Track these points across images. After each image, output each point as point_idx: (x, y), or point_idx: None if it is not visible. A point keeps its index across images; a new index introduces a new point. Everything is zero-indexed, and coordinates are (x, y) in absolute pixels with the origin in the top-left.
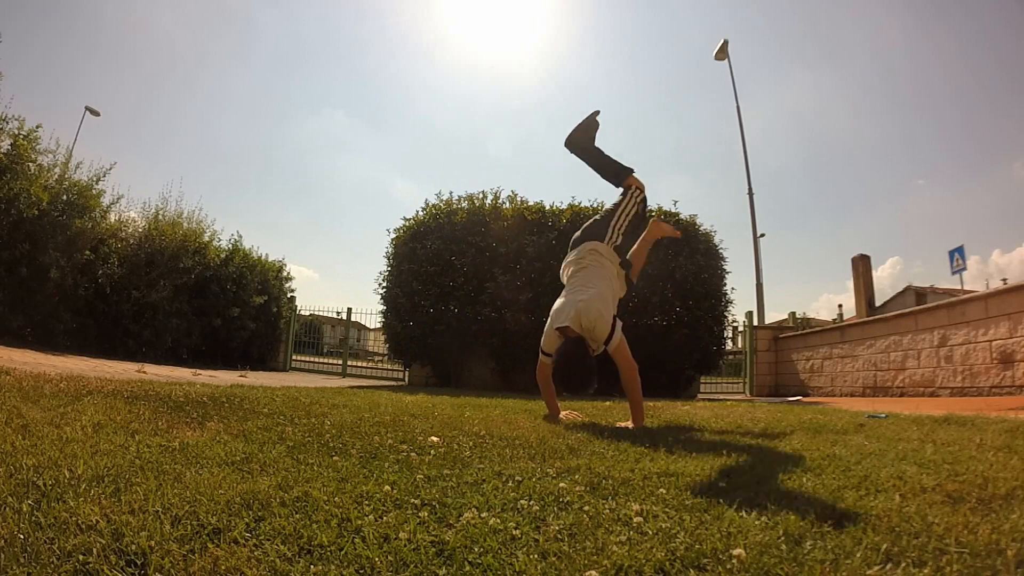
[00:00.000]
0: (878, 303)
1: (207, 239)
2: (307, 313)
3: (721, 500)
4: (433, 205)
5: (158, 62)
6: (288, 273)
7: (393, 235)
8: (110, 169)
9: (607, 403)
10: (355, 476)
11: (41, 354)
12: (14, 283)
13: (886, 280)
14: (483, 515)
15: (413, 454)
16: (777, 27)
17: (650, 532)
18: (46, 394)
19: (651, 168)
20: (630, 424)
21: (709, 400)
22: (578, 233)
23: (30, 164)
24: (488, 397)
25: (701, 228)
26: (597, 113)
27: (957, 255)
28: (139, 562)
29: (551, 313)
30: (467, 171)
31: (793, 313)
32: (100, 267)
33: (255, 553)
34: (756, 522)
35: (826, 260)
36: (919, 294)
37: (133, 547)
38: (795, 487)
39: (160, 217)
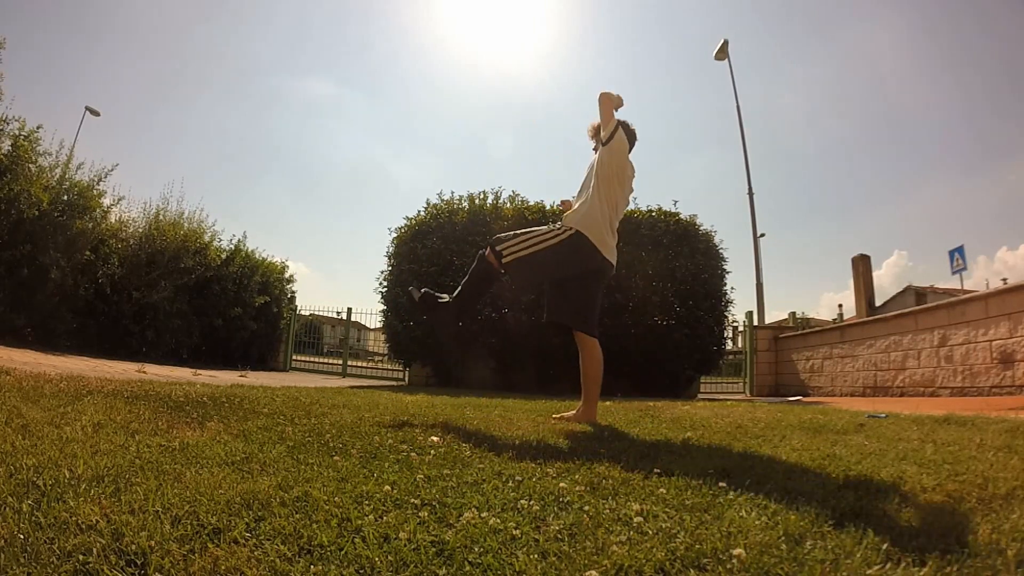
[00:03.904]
0: (879, 302)
1: (208, 239)
2: (307, 313)
3: (721, 500)
4: (434, 205)
5: (158, 61)
6: (291, 275)
7: (394, 234)
8: (111, 170)
9: (607, 403)
10: (355, 476)
11: (41, 354)
12: (15, 283)
13: (889, 277)
14: (483, 515)
15: (413, 454)
16: (776, 26)
17: (650, 532)
18: (46, 394)
19: (651, 167)
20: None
21: (709, 400)
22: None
23: (31, 165)
24: (488, 397)
25: (701, 228)
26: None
27: (957, 255)
28: (139, 562)
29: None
30: (468, 169)
31: (793, 313)
32: (100, 267)
33: (255, 553)
34: (756, 522)
35: (826, 260)
36: (919, 294)
37: (133, 547)
38: (795, 487)
39: (161, 217)
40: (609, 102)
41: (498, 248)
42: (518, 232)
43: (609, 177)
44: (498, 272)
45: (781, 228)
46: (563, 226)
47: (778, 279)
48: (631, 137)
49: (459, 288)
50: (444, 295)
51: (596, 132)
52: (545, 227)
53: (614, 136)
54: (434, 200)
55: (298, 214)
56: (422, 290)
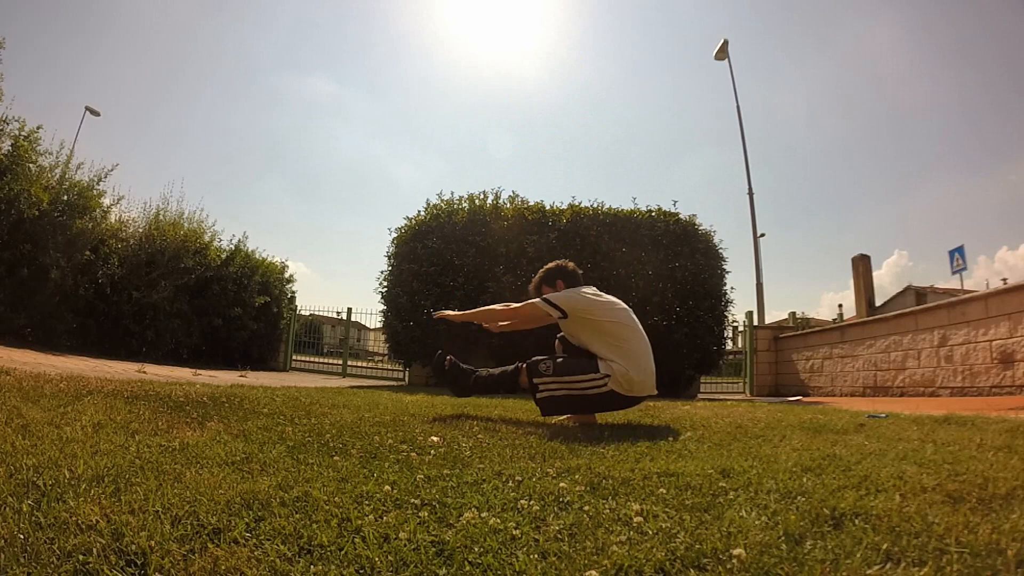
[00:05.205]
0: (879, 302)
1: (208, 239)
2: (307, 313)
3: (721, 500)
4: (434, 205)
5: (158, 61)
6: (291, 275)
7: (394, 235)
8: (111, 170)
9: None
10: (355, 476)
11: (42, 354)
12: (15, 283)
13: (889, 276)
14: (483, 515)
15: (413, 454)
16: (776, 26)
17: (650, 532)
18: (46, 394)
19: (651, 167)
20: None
21: (709, 400)
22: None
23: (31, 165)
24: (488, 397)
25: (701, 228)
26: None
27: (957, 255)
28: (139, 562)
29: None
30: (468, 169)
31: (793, 313)
32: (100, 267)
33: (255, 553)
34: (756, 522)
35: (826, 260)
36: (919, 294)
37: (133, 547)
38: (795, 487)
39: (161, 217)
40: (512, 312)
41: (535, 380)
42: (558, 369)
43: (598, 333)
44: (524, 389)
45: (781, 228)
46: (603, 376)
47: (778, 279)
48: (574, 278)
49: (486, 376)
50: (470, 368)
51: (537, 289)
52: (585, 371)
53: (560, 307)
54: (434, 200)
55: (298, 214)
56: (448, 358)
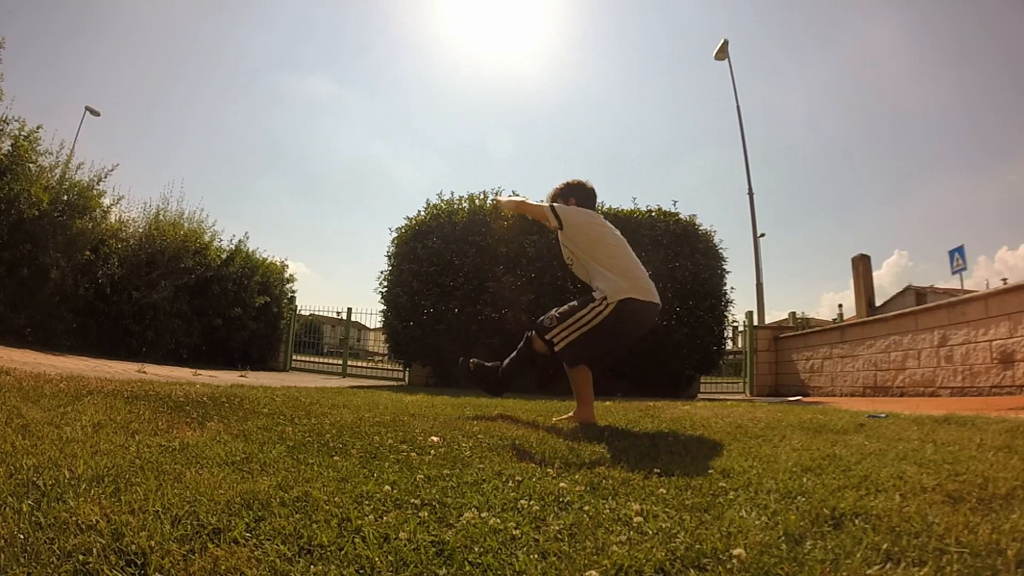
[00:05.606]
0: (879, 302)
1: (208, 239)
2: (307, 313)
3: (721, 500)
4: (434, 205)
5: (158, 61)
6: (291, 275)
7: (394, 235)
8: (111, 170)
9: (607, 403)
10: (355, 476)
11: (42, 354)
12: (15, 283)
13: (889, 276)
14: (483, 515)
15: (413, 454)
16: (776, 26)
17: (650, 532)
18: (46, 394)
19: (651, 167)
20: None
21: (709, 400)
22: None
23: (31, 165)
24: (488, 397)
25: (701, 228)
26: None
27: (957, 255)
28: (139, 562)
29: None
30: (468, 169)
31: (793, 313)
32: (100, 267)
33: (255, 553)
34: (756, 522)
35: (826, 260)
36: (919, 294)
37: (133, 547)
38: (795, 487)
39: (161, 217)
40: (521, 205)
41: (547, 337)
42: (561, 315)
43: (592, 248)
44: (545, 355)
45: (781, 228)
46: (601, 299)
47: (778, 279)
48: (588, 198)
49: (505, 365)
50: (494, 364)
51: (553, 198)
52: (585, 305)
53: (560, 218)
54: (434, 200)
55: (298, 214)
56: (472, 361)
